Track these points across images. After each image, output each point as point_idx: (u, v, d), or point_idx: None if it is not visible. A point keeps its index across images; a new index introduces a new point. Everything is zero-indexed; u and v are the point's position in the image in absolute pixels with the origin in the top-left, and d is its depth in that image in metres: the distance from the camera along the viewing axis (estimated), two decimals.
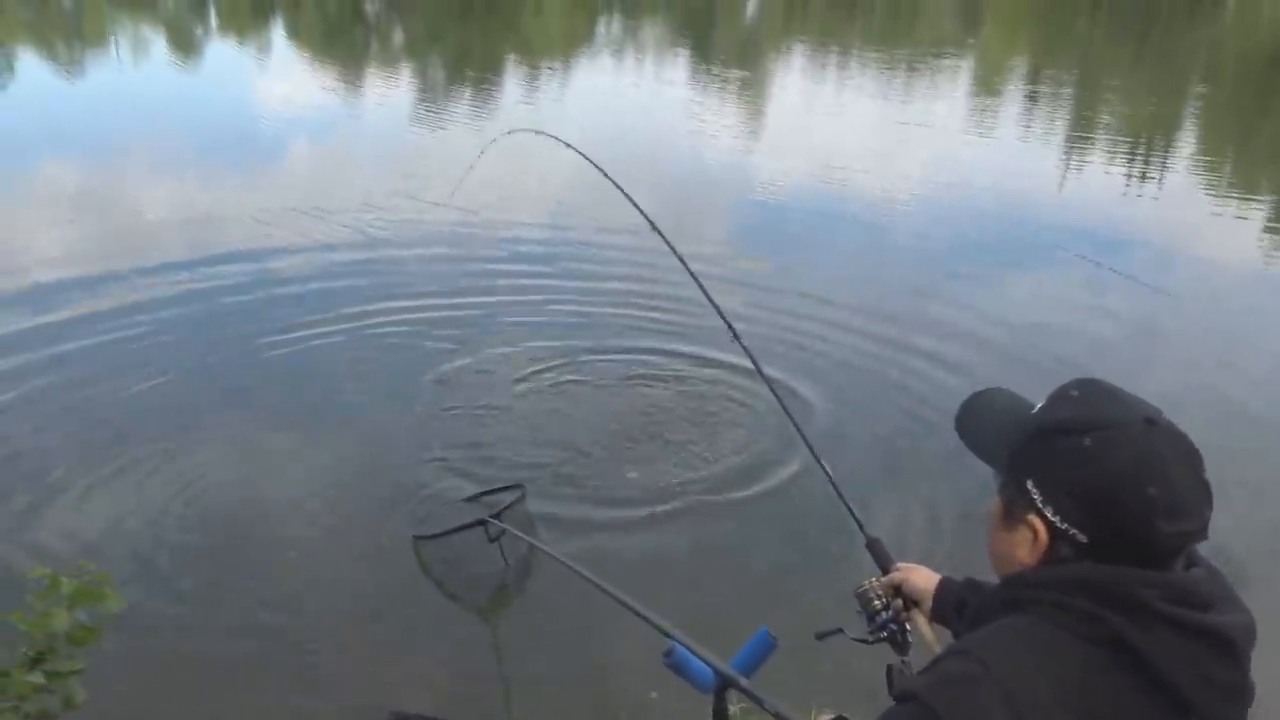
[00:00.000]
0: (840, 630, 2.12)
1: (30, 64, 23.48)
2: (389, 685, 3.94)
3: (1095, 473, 1.22)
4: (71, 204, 10.40)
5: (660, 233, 3.10)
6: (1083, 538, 1.24)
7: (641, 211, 3.26)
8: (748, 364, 2.80)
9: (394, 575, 4.63)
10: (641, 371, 6.61)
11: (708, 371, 6.51)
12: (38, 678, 1.99)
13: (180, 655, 4.09)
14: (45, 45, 26.34)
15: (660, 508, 5.17)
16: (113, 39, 28.02)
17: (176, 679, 3.98)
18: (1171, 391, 6.14)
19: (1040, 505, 1.27)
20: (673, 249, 3.01)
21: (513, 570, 4.48)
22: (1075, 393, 1.31)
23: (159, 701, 3.87)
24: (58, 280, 7.88)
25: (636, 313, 7.49)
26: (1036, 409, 1.34)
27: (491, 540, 4.29)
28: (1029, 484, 1.28)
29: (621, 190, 3.39)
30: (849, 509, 2.25)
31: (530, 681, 4.09)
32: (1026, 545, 1.29)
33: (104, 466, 5.32)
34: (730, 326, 2.80)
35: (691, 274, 2.95)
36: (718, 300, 2.94)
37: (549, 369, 6.62)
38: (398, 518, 4.94)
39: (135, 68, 22.71)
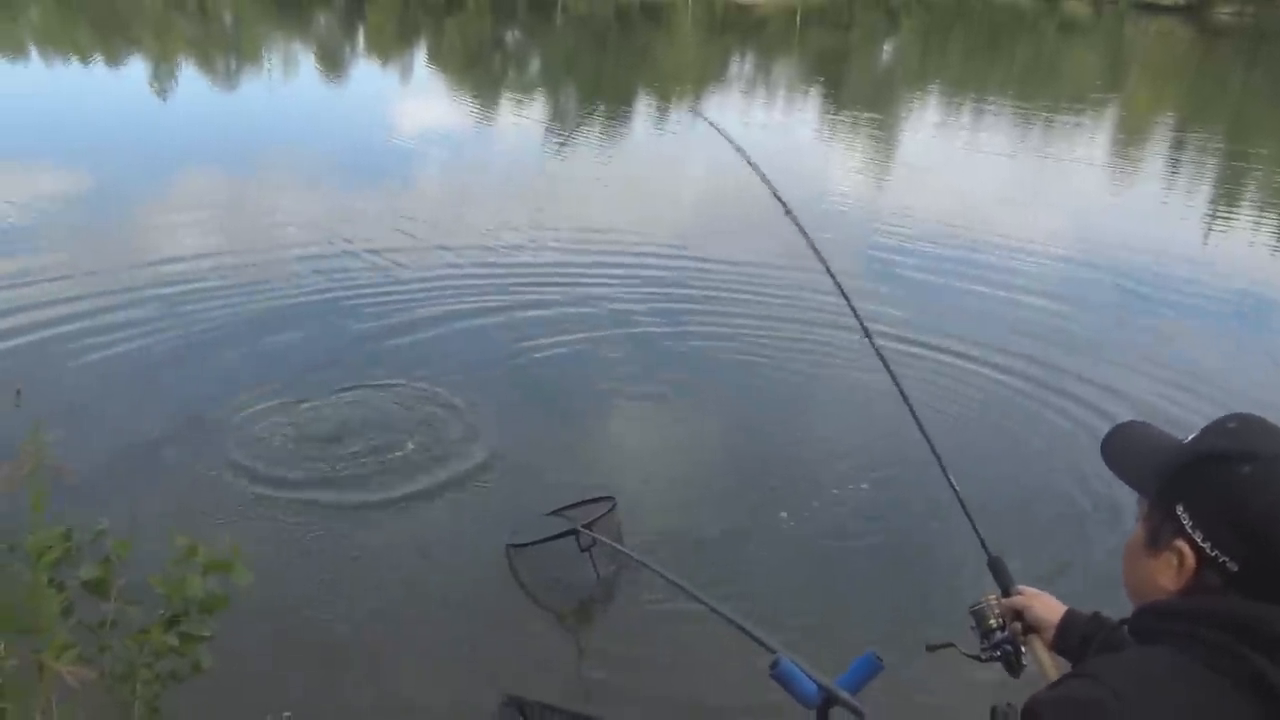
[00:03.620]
0: (952, 644, 2.09)
1: (190, 77, 24.88)
2: (479, 684, 3.95)
3: (1253, 501, 1.21)
4: (207, 210, 10.90)
5: (816, 251, 3.07)
6: (1233, 566, 1.22)
7: (798, 226, 3.23)
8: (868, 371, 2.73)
9: (489, 582, 4.68)
10: (769, 376, 6.93)
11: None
12: (173, 639, 2.03)
13: (300, 636, 4.21)
14: (206, 60, 27.91)
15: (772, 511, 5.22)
16: (267, 56, 29.51)
17: (295, 657, 4.11)
18: None
19: (1190, 530, 1.26)
20: (825, 265, 2.97)
21: (604, 581, 4.51)
22: (1233, 425, 1.30)
23: (279, 674, 3.99)
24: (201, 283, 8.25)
25: (762, 326, 7.77)
26: (1190, 439, 1.33)
27: (583, 550, 4.33)
28: (1179, 509, 1.27)
29: (781, 203, 3.37)
30: (973, 524, 2.20)
31: (619, 691, 4.07)
32: (1170, 571, 1.28)
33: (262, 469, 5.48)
34: (868, 335, 2.77)
35: (835, 282, 2.94)
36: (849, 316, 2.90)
37: (680, 386, 6.75)
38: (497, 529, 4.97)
39: (285, 84, 23.87)
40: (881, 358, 2.68)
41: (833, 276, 2.93)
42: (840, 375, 7.00)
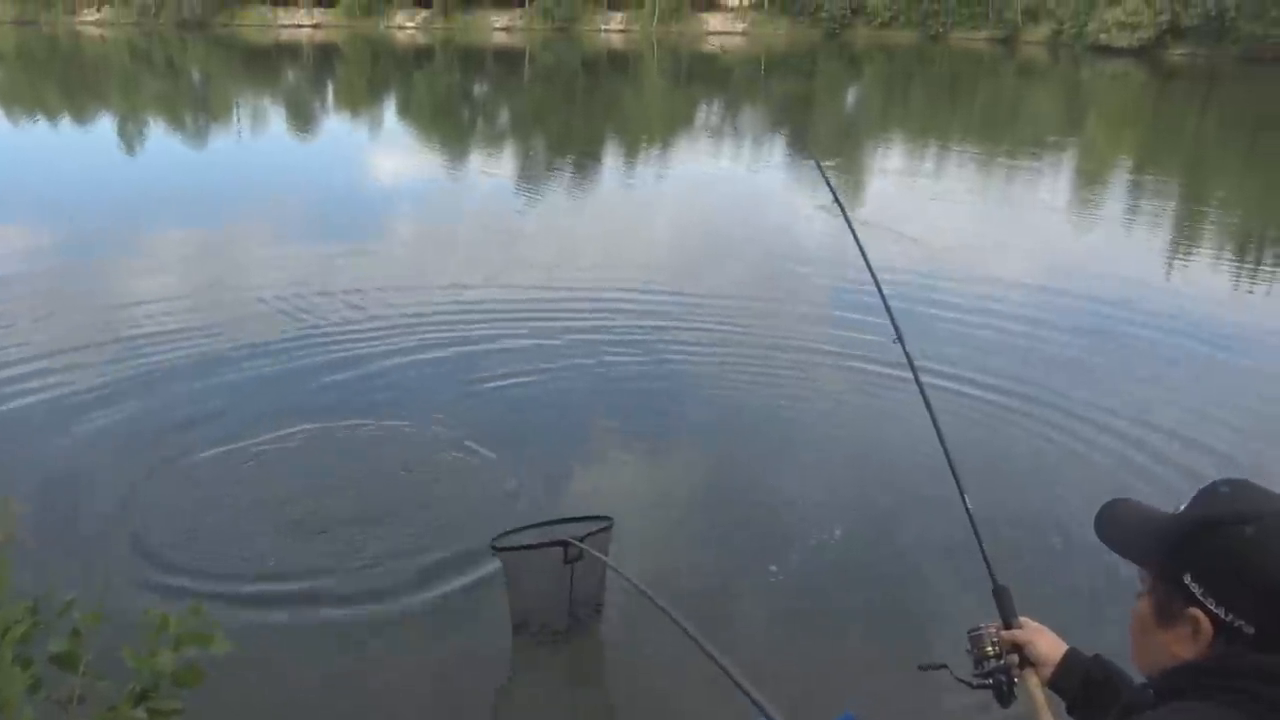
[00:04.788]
0: (945, 666, 2.09)
1: (158, 133, 24.90)
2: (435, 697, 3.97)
3: (1260, 562, 1.21)
4: (169, 264, 10.95)
5: (867, 261, 3.15)
6: (1249, 629, 1.22)
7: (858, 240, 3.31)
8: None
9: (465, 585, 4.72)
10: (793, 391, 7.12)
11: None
12: (141, 714, 2.01)
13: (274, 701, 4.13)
14: (174, 116, 27.96)
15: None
16: (235, 111, 29.60)
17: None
18: None
19: (1203, 598, 1.26)
20: (875, 278, 3.06)
21: (585, 599, 4.48)
22: (1226, 489, 1.31)
23: None
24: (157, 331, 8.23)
25: (746, 362, 7.81)
26: (1183, 508, 1.33)
27: (567, 563, 4.23)
28: (1187, 578, 1.27)
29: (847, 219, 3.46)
30: (983, 552, 2.21)
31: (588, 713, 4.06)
32: (1186, 641, 1.28)
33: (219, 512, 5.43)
34: (907, 354, 2.81)
35: (882, 296, 3.05)
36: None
37: (665, 426, 6.75)
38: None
39: (254, 138, 23.94)
40: (920, 386, 2.71)
41: (889, 313, 2.99)
42: (832, 407, 7.13)
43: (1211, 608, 1.24)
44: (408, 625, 4.62)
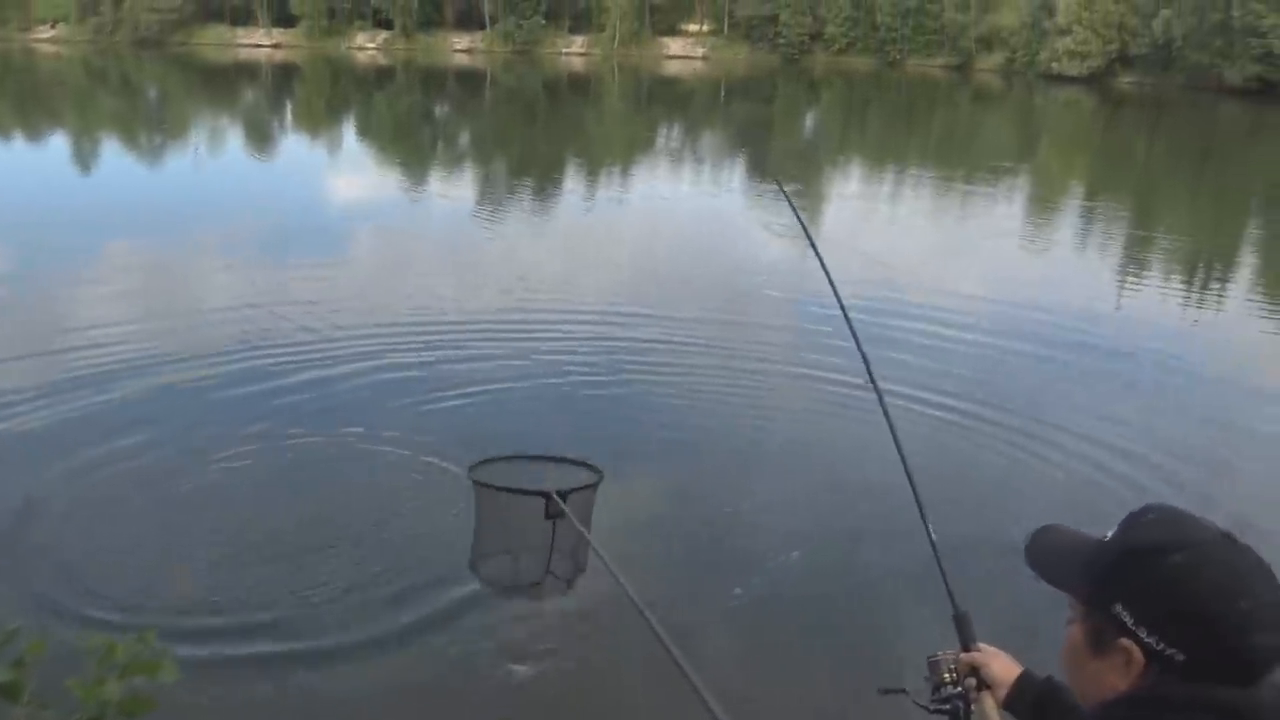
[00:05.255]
0: (904, 690, 2.10)
1: (113, 150, 24.60)
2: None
3: (1189, 590, 1.22)
4: (116, 282, 10.80)
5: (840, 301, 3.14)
6: (1180, 656, 1.22)
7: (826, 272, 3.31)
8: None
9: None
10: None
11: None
12: None
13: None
14: (129, 134, 27.64)
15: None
16: (194, 130, 29.30)
17: None
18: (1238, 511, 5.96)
19: (1133, 628, 1.25)
20: (843, 309, 3.06)
21: (558, 563, 3.86)
22: (1153, 516, 1.31)
23: None
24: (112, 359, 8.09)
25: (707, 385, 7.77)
26: (1110, 536, 1.34)
27: (547, 518, 3.69)
28: (1118, 608, 1.27)
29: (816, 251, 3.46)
30: (944, 578, 2.21)
31: (538, 694, 4.03)
32: (1119, 670, 1.27)
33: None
34: (878, 391, 2.77)
35: (849, 324, 3.00)
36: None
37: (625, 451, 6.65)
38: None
39: (211, 158, 23.70)
40: (890, 425, 2.66)
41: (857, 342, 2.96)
42: (791, 433, 7.13)
43: (1143, 636, 1.24)
44: (365, 651, 4.55)
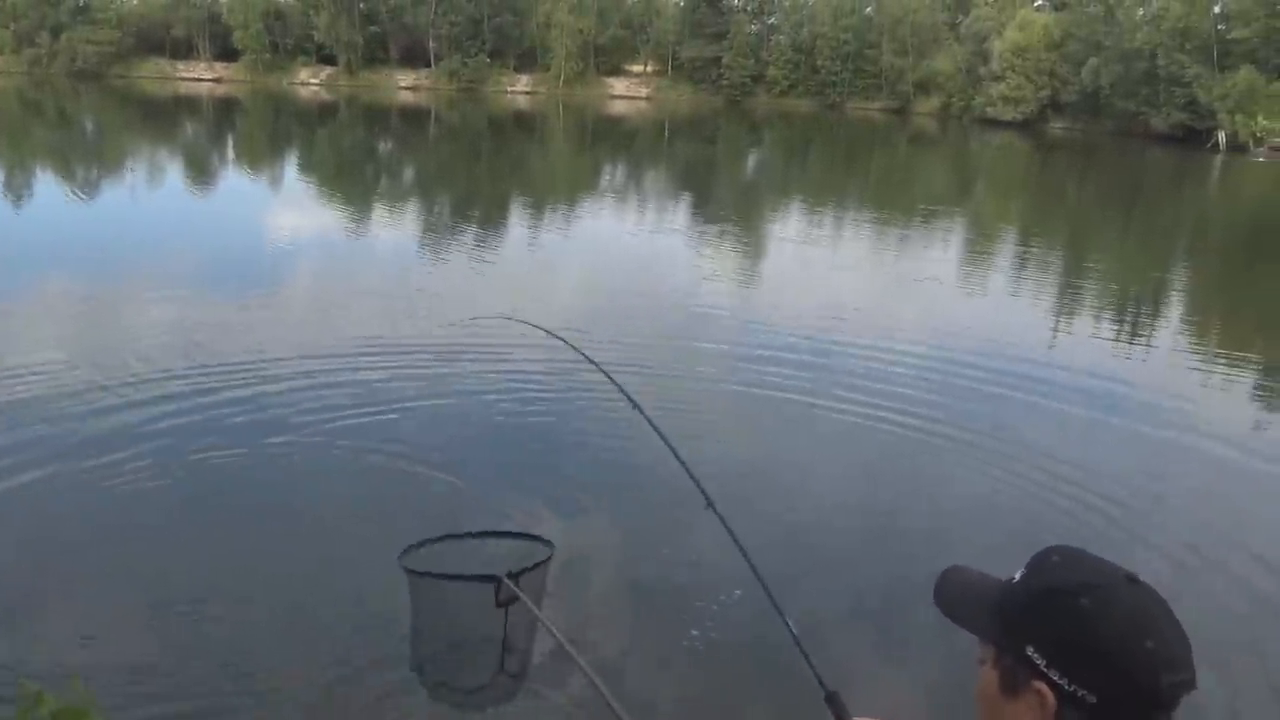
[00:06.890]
0: None
1: (47, 184, 24.10)
2: None
3: (1099, 631, 1.23)
4: (58, 320, 10.56)
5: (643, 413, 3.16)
6: (1092, 698, 1.23)
7: (619, 386, 3.32)
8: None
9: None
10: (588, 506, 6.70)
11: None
12: None
13: None
14: (64, 167, 27.12)
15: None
16: (129, 164, 28.83)
17: None
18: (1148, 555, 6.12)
19: (1045, 670, 1.27)
20: (651, 422, 3.07)
21: (513, 657, 3.25)
22: (1056, 558, 1.33)
23: None
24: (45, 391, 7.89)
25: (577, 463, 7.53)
26: (1019, 578, 1.35)
27: (499, 605, 3.11)
28: (1029, 650, 1.28)
29: (599, 366, 3.45)
30: (808, 661, 2.17)
31: None
32: (1033, 713, 1.28)
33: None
34: (720, 516, 2.75)
35: (664, 440, 3.05)
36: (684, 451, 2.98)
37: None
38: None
39: (148, 191, 23.32)
40: (699, 487, 2.71)
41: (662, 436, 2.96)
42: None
43: (1055, 678, 1.26)
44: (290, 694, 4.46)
